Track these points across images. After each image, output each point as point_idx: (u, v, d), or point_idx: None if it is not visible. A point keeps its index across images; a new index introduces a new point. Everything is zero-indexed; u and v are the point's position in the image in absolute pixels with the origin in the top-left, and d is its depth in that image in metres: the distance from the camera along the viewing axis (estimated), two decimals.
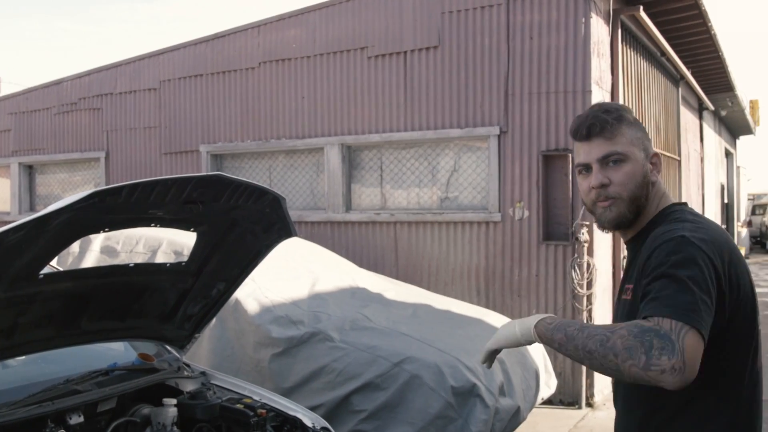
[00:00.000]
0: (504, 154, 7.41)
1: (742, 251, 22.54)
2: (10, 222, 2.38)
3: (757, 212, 30.25)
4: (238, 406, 3.28)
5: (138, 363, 3.46)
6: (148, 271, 3.21)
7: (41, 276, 2.67)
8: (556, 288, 7.19)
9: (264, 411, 3.26)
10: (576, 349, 1.83)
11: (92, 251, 5.56)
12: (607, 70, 7.48)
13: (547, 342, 1.93)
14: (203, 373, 3.58)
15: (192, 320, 3.48)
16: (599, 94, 7.15)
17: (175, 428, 3.14)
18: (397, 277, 7.47)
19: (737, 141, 24.27)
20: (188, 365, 3.59)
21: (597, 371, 1.89)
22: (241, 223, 3.09)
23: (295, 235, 3.28)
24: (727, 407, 1.93)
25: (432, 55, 7.77)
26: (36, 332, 2.93)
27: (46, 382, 3.06)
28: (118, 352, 3.68)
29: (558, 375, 6.52)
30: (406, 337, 4.91)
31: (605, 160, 2.06)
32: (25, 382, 3.08)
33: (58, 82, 10.71)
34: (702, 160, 14.54)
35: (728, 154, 21.50)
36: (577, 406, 6.95)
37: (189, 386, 3.43)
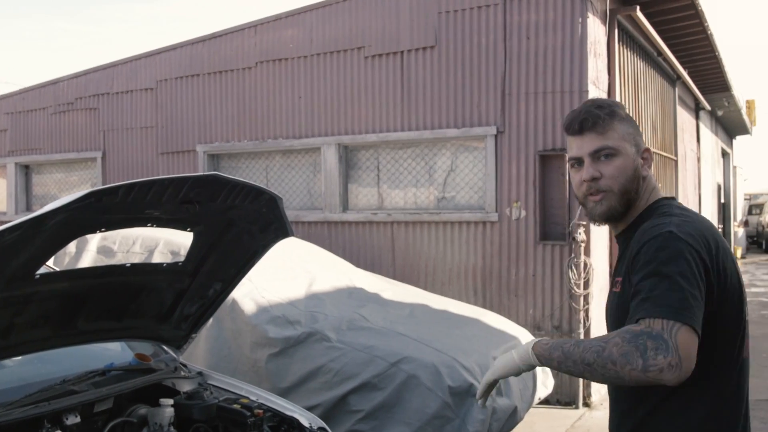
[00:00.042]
0: (501, 154, 7.41)
1: (739, 251, 22.60)
2: (6, 222, 2.38)
3: (753, 212, 30.29)
4: (235, 406, 3.28)
5: (135, 363, 3.46)
6: (144, 271, 3.21)
7: (37, 276, 2.66)
8: (553, 288, 7.19)
9: (261, 411, 3.26)
10: (575, 364, 1.88)
11: (89, 251, 5.55)
12: (603, 70, 7.49)
13: (547, 362, 1.97)
14: (200, 374, 3.58)
15: (189, 320, 3.48)
16: (596, 94, 7.16)
17: (172, 428, 3.13)
18: (394, 277, 7.47)
19: (734, 141, 24.31)
20: (185, 365, 3.58)
21: (599, 382, 1.93)
22: (237, 223, 3.09)
23: (292, 235, 3.28)
24: (709, 396, 1.95)
25: (429, 55, 7.77)
26: (32, 332, 2.92)
27: (42, 382, 3.05)
28: (115, 352, 3.67)
29: (555, 375, 6.51)
30: (403, 337, 4.90)
31: (597, 154, 2.11)
32: (21, 383, 3.08)
33: (54, 82, 10.70)
34: (699, 160, 14.56)
35: (725, 154, 21.53)
36: (574, 406, 6.95)
37: (186, 386, 3.43)
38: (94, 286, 3.00)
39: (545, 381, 5.70)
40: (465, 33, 7.58)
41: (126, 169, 9.95)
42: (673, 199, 2.19)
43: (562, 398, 7.04)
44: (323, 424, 3.38)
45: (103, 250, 5.54)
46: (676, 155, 11.40)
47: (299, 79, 8.56)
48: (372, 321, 5.13)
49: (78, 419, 2.95)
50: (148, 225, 2.86)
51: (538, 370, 5.56)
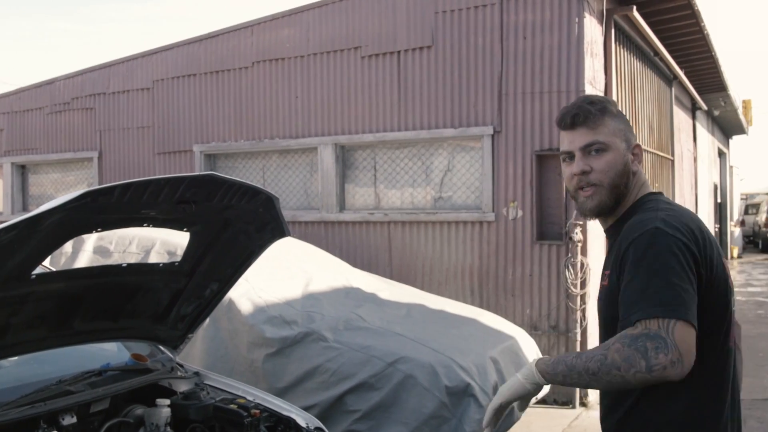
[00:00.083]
0: (498, 153, 7.42)
1: (736, 251, 22.64)
2: (2, 222, 2.37)
3: (750, 212, 30.36)
4: (232, 406, 3.27)
5: (131, 363, 3.45)
6: (141, 271, 3.20)
7: (33, 276, 2.66)
8: (549, 288, 7.20)
9: (258, 411, 3.25)
10: (580, 375, 1.92)
11: (85, 251, 5.54)
12: (600, 70, 7.50)
13: (552, 377, 2.00)
14: (197, 374, 3.57)
15: (185, 320, 3.47)
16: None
17: (168, 429, 3.13)
18: (391, 277, 7.46)
19: (730, 141, 24.36)
20: (182, 365, 3.58)
21: (605, 389, 1.97)
22: (234, 222, 3.08)
23: (289, 234, 3.28)
24: (694, 384, 1.96)
25: (425, 55, 7.77)
26: (28, 333, 2.91)
27: (38, 382, 3.04)
28: (111, 352, 3.66)
29: None
30: (400, 337, 4.90)
31: (587, 149, 2.15)
32: (17, 383, 3.07)
33: (50, 82, 10.68)
34: (695, 159, 14.59)
35: (721, 154, 21.57)
36: (570, 406, 6.96)
37: (182, 387, 3.42)
38: (91, 287, 2.99)
39: None
40: (462, 33, 7.58)
41: (122, 169, 9.94)
42: (661, 194, 2.22)
43: (559, 398, 7.05)
44: (320, 424, 3.38)
45: (99, 250, 5.53)
46: (672, 155, 11.41)
47: (296, 79, 8.56)
48: (369, 321, 5.12)
49: (74, 420, 2.94)
50: (145, 225, 2.86)
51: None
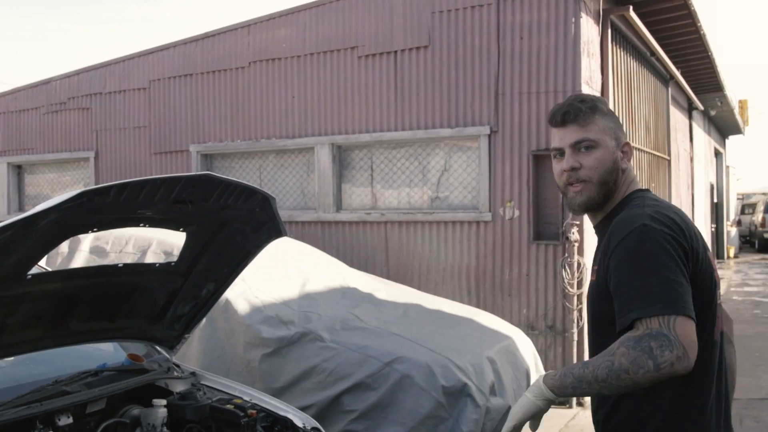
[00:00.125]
0: (494, 153, 7.42)
1: (732, 251, 22.68)
2: None
3: (746, 212, 30.40)
4: (229, 406, 3.27)
5: (127, 364, 3.44)
6: (137, 271, 3.20)
7: (29, 276, 2.65)
8: (546, 287, 7.20)
9: (254, 411, 3.25)
10: (590, 385, 1.93)
11: (81, 251, 5.53)
12: (597, 70, 7.51)
13: (562, 391, 2.02)
14: (193, 374, 3.57)
15: (182, 320, 3.47)
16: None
17: (164, 429, 3.12)
18: (387, 277, 7.46)
19: (726, 141, 24.40)
20: (178, 366, 3.57)
21: (615, 394, 1.99)
22: (230, 223, 3.08)
23: (285, 234, 3.27)
24: (675, 378, 1.96)
25: (422, 55, 7.77)
26: (24, 333, 2.91)
27: (34, 383, 3.04)
28: (108, 352, 3.66)
29: None
30: (397, 337, 4.90)
31: (577, 146, 2.20)
32: (13, 383, 3.06)
33: (46, 82, 10.66)
34: (692, 159, 14.61)
35: (718, 154, 21.61)
36: (567, 405, 6.96)
37: (179, 387, 3.42)
38: (87, 287, 2.99)
39: None
40: (458, 33, 7.59)
41: (119, 169, 9.93)
42: (648, 191, 2.27)
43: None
44: (317, 425, 3.37)
45: (95, 250, 5.52)
46: (669, 155, 11.43)
47: (292, 79, 8.56)
48: (365, 321, 5.12)
49: (70, 420, 2.94)
50: (141, 225, 2.85)
51: (533, 370, 5.57)
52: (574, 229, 6.91)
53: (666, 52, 10.24)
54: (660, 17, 9.18)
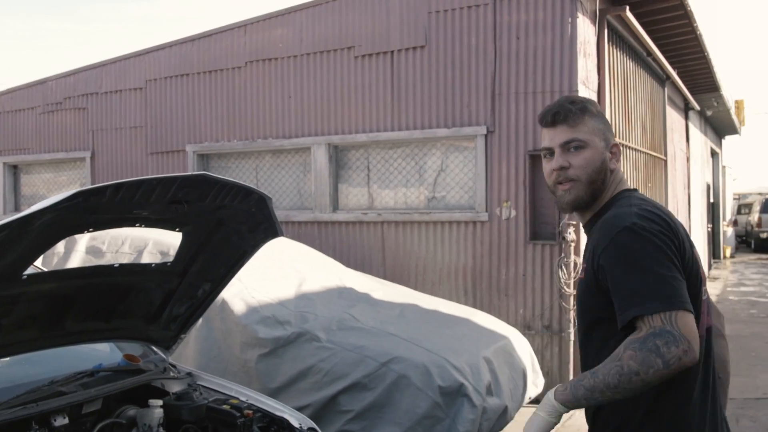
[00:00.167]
0: (491, 153, 7.42)
1: (728, 250, 22.72)
2: None
3: (742, 212, 30.47)
4: (225, 406, 3.27)
5: (123, 364, 3.44)
6: (133, 271, 3.19)
7: (25, 276, 2.65)
8: (543, 287, 7.20)
9: (251, 412, 3.25)
10: (602, 393, 1.96)
11: (77, 251, 5.53)
12: (593, 70, 7.51)
13: (574, 403, 2.04)
14: (189, 374, 3.56)
15: (178, 321, 3.46)
16: (585, 94, 7.17)
17: (161, 429, 3.12)
18: (384, 277, 7.46)
19: (723, 141, 24.45)
20: (174, 366, 3.57)
21: (627, 397, 1.99)
22: (226, 223, 3.08)
23: (282, 235, 3.27)
24: None
25: (419, 55, 7.77)
26: (20, 333, 2.90)
27: (30, 383, 3.03)
28: (104, 353, 3.65)
29: (545, 374, 6.53)
30: (394, 337, 4.90)
31: (567, 146, 2.25)
32: (9, 384, 3.05)
33: (42, 82, 10.64)
34: (688, 159, 14.63)
35: (714, 154, 21.64)
36: None
37: (175, 387, 3.41)
38: (83, 287, 2.98)
39: (535, 380, 5.71)
40: (455, 33, 7.59)
41: (115, 169, 9.91)
42: (636, 190, 2.32)
43: None
44: (313, 425, 3.37)
45: (91, 251, 5.51)
46: (665, 155, 11.44)
47: (289, 79, 8.55)
48: (362, 321, 5.12)
49: (66, 420, 2.93)
50: (137, 225, 2.85)
51: (529, 369, 5.57)
52: (571, 229, 6.91)
53: (662, 52, 10.25)
54: (656, 17, 9.20)
